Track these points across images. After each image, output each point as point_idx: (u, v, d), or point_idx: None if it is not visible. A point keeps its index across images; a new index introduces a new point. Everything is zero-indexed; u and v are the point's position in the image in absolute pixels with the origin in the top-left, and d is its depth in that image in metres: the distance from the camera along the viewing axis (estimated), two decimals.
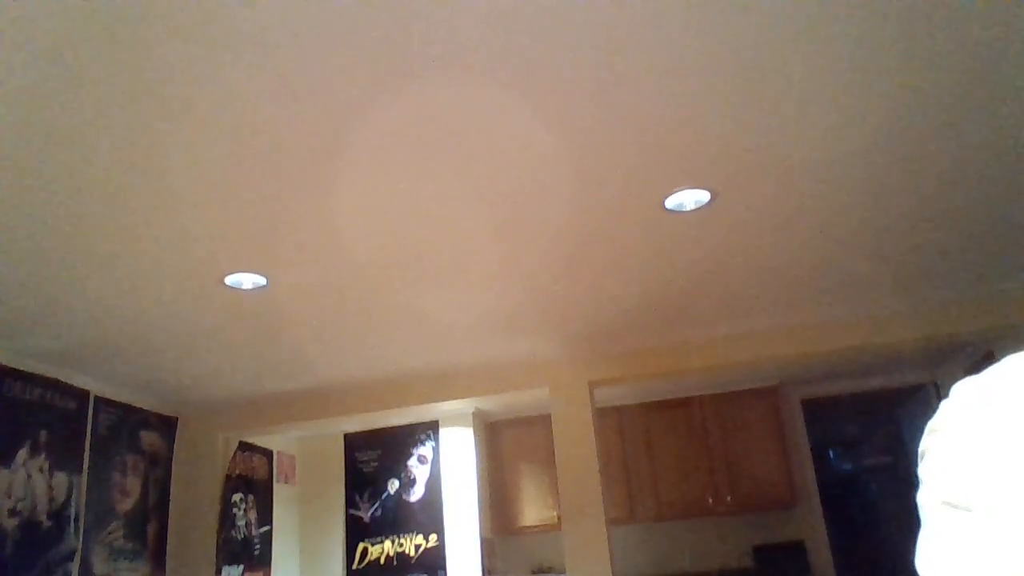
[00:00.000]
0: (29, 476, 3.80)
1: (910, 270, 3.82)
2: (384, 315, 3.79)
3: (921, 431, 0.58)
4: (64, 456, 4.05)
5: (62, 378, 4.11)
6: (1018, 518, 0.47)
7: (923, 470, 0.56)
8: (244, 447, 5.43)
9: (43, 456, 3.91)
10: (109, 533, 4.34)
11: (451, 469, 5.79)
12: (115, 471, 4.46)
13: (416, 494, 5.83)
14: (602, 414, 5.95)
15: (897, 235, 3.35)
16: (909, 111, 2.40)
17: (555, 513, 5.75)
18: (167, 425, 5.01)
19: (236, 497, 5.26)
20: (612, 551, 4.54)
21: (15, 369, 3.80)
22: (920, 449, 0.57)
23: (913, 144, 2.60)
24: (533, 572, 6.02)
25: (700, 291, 3.86)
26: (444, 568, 5.59)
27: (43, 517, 3.86)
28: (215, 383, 4.63)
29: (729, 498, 5.76)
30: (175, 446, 5.05)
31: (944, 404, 0.57)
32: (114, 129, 2.13)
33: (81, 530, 4.11)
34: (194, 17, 1.75)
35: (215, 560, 4.87)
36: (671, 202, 2.86)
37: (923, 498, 0.55)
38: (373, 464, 6.01)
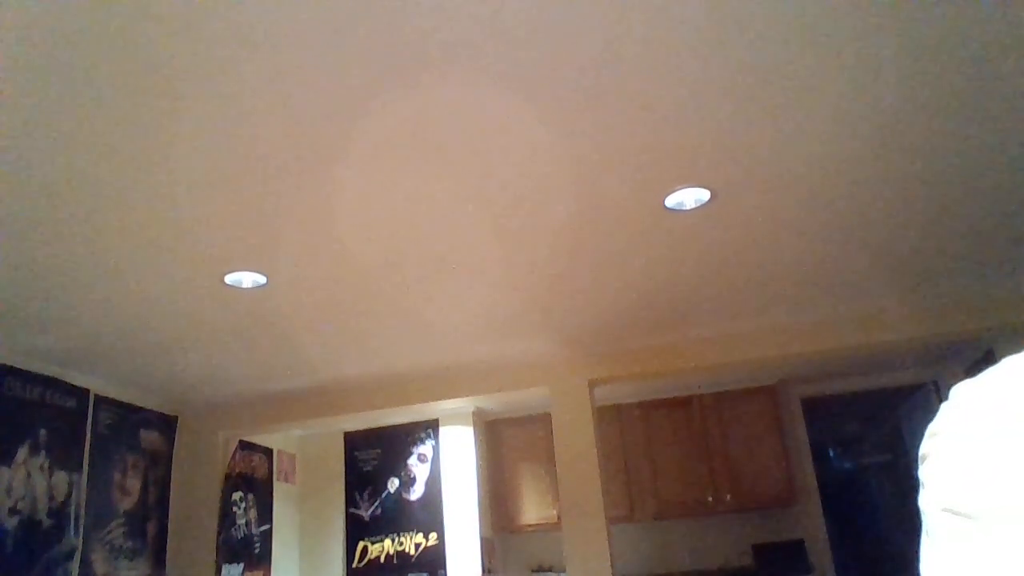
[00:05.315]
0: (29, 475, 3.81)
1: (910, 270, 3.82)
2: (384, 315, 3.79)
3: (921, 430, 0.58)
4: (64, 455, 4.05)
5: (62, 377, 4.11)
6: (1020, 526, 0.47)
7: (924, 474, 0.55)
8: (244, 446, 5.43)
9: (43, 455, 3.91)
10: (109, 532, 4.34)
11: (451, 468, 5.80)
12: (115, 470, 4.46)
13: (416, 493, 5.83)
14: (602, 413, 5.95)
15: (897, 235, 3.35)
16: (909, 110, 2.40)
17: (555, 512, 5.75)
18: (167, 424, 5.01)
19: (236, 496, 5.26)
20: (612, 550, 4.54)
21: (15, 368, 3.80)
22: (921, 453, 0.56)
23: (913, 143, 2.60)
24: (533, 571, 6.03)
25: (700, 290, 3.86)
26: (444, 567, 5.59)
27: (43, 516, 3.86)
28: (215, 382, 4.63)
29: (729, 496, 5.76)
30: (175, 445, 5.06)
31: (944, 407, 0.56)
32: (113, 129, 2.13)
33: (81, 529, 4.11)
34: (193, 17, 1.75)
35: (215, 559, 4.87)
36: (671, 201, 2.86)
37: (924, 503, 0.55)
38: (373, 463, 6.01)
